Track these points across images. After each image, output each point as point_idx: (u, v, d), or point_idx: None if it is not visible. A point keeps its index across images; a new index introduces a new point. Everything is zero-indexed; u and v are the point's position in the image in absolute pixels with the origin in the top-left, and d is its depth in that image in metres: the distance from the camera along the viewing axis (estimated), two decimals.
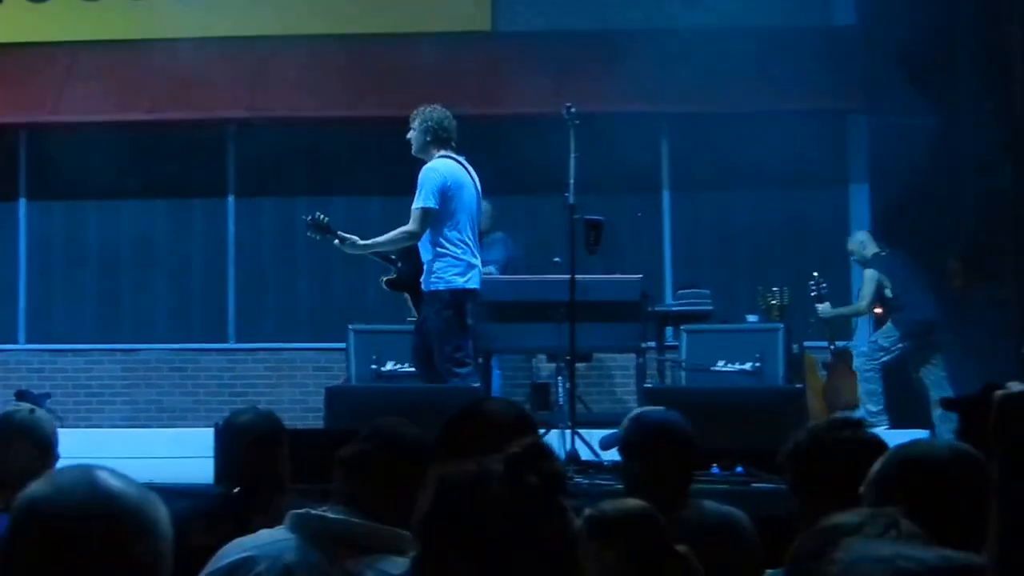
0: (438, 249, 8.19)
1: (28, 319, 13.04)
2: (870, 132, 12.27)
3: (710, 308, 10.54)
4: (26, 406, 4.35)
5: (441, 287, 8.17)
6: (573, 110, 8.37)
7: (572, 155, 8.32)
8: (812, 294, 10.79)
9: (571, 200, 8.33)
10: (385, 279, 9.00)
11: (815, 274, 10.90)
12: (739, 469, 7.07)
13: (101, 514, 1.95)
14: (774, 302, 10.74)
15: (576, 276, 8.32)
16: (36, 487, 2.00)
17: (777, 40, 11.79)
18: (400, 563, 3.17)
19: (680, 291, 11.31)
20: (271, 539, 3.26)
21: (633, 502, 3.48)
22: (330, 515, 3.26)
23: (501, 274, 10.80)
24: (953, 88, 11.47)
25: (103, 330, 12.89)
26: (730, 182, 12.46)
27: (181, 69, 12.03)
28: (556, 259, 9.25)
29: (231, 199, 13.03)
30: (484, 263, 11.07)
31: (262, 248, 12.67)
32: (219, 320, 12.93)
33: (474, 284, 8.32)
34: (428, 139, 8.28)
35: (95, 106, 12.41)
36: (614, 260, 9.84)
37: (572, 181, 8.30)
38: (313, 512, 3.28)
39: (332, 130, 12.58)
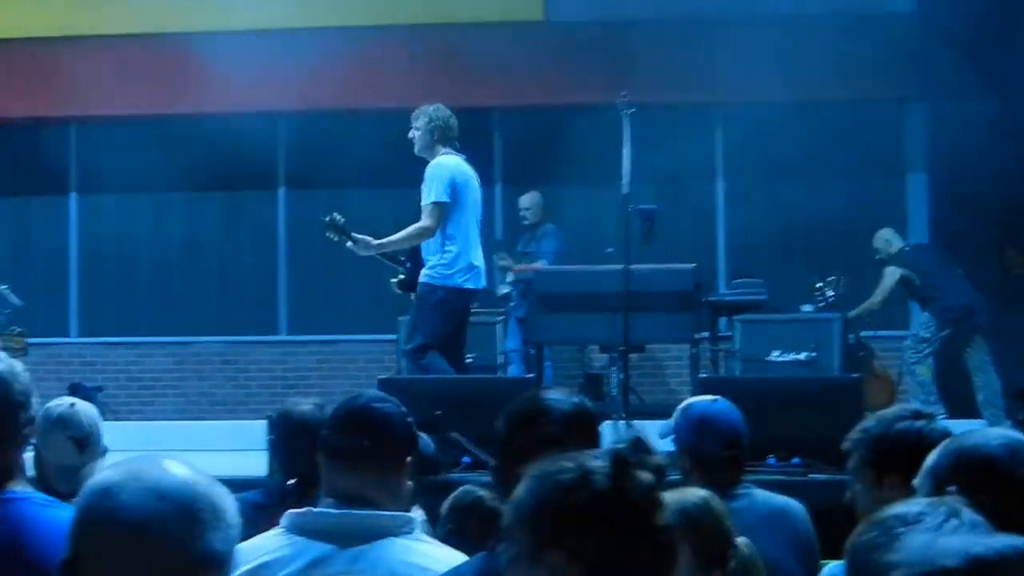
0: (443, 246, 8.11)
1: (80, 312, 13.11)
2: (928, 119, 12.12)
3: (764, 298, 10.45)
4: (68, 400, 4.34)
5: (437, 282, 8.11)
6: (627, 100, 8.32)
7: (626, 145, 8.27)
8: (820, 304, 10.48)
9: (625, 190, 8.29)
10: (395, 280, 8.87)
11: (819, 285, 10.54)
12: (795, 460, 7.01)
13: (177, 501, 1.91)
14: (830, 292, 10.58)
15: (629, 266, 8.27)
16: (108, 474, 1.96)
17: (833, 27, 11.66)
18: (403, 544, 3.12)
19: (734, 281, 11.25)
20: (278, 544, 3.18)
21: (694, 492, 3.42)
22: (330, 511, 3.19)
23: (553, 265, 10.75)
24: (1013, 71, 11.27)
25: (155, 323, 12.94)
26: (785, 171, 12.37)
27: (231, 62, 12.00)
28: (609, 249, 9.20)
29: (282, 191, 13.05)
30: (535, 255, 11.09)
31: (313, 240, 12.63)
32: (270, 312, 12.95)
33: (474, 284, 8.22)
34: (434, 138, 8.22)
35: (145, 100, 12.44)
36: (667, 250, 9.75)
37: (626, 171, 8.26)
38: (312, 511, 3.22)
39: (383, 121, 12.53)
